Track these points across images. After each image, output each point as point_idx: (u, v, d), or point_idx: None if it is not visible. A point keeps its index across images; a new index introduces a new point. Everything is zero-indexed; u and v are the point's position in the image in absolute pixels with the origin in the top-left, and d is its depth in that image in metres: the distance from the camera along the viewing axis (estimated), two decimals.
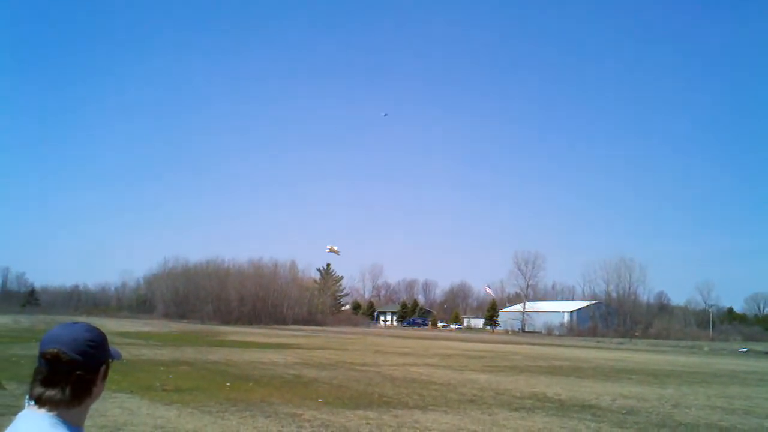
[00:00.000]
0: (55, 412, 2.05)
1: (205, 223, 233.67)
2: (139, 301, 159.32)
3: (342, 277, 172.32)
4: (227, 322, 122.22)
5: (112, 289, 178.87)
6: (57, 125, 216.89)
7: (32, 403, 2.10)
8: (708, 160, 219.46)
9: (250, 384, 20.27)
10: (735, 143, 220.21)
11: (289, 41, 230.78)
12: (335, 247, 74.73)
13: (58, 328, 2.17)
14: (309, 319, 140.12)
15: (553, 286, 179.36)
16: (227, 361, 30.05)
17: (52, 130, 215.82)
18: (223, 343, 47.11)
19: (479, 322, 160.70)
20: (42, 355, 2.09)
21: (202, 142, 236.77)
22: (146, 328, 70.22)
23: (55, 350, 2.07)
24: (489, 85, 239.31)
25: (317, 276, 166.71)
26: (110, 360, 2.24)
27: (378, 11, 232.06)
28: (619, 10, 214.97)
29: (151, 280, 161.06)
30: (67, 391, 2.06)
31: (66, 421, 2.06)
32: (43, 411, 2.06)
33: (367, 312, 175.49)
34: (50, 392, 2.06)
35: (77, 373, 2.08)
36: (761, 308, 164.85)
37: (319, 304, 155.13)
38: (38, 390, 2.08)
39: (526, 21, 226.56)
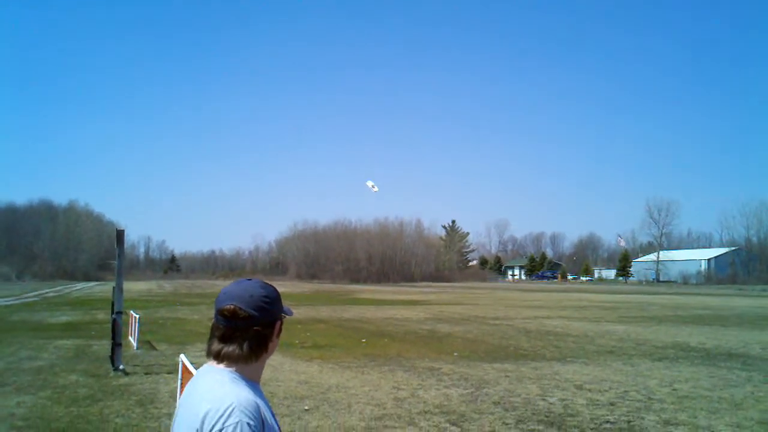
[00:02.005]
0: (234, 368, 2.06)
1: (330, 186, 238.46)
2: (272, 264, 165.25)
3: (468, 233, 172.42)
4: (357, 281, 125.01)
5: (246, 253, 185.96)
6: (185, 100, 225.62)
7: (211, 358, 2.11)
8: None
9: (386, 340, 20.57)
10: None
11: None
12: (373, 184, 76.27)
13: (233, 284, 2.16)
14: (437, 275, 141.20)
15: (689, 234, 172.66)
16: (361, 318, 30.65)
17: (175, 105, 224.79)
18: (355, 301, 48.11)
19: (611, 274, 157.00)
20: (219, 312, 2.09)
21: (324, 109, 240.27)
22: (281, 289, 71.05)
23: (233, 306, 2.06)
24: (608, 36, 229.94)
25: (443, 233, 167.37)
26: (284, 316, 2.23)
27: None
28: None
29: (283, 243, 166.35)
30: (245, 346, 2.06)
31: (244, 376, 2.06)
32: (222, 366, 2.07)
33: (494, 267, 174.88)
34: (229, 348, 2.06)
35: (255, 328, 2.07)
36: None
37: (446, 260, 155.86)
38: (217, 346, 2.09)
39: None
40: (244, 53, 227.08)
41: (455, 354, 16.90)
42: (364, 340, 20.30)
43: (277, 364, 14.54)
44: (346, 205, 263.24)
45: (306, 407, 9.98)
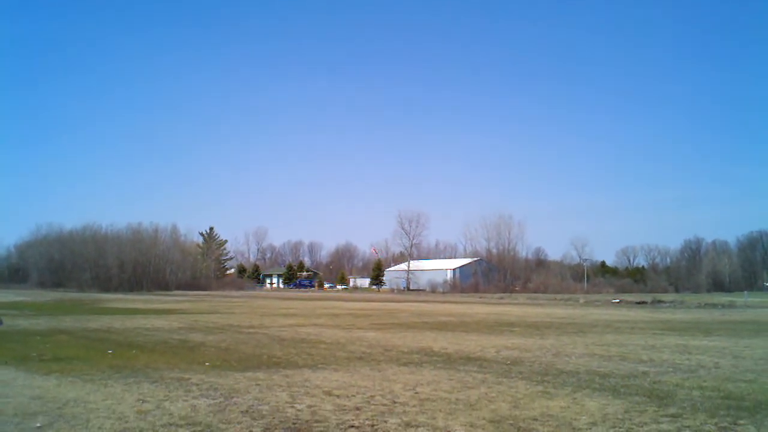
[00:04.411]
0: None
1: (81, 188, 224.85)
2: (10, 270, 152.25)
3: (226, 241, 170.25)
4: (107, 290, 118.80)
5: None
6: None
7: None
8: (578, 123, 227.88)
9: (134, 351, 19.68)
10: (603, 105, 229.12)
11: None
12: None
13: None
14: (193, 284, 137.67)
15: (437, 245, 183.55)
16: (109, 328, 29.13)
17: None
18: (103, 311, 45.67)
19: (365, 282, 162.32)
20: None
21: (75, 103, 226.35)
22: (19, 298, 67.27)
23: None
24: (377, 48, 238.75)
25: (200, 240, 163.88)
26: None
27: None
28: None
29: (24, 248, 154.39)
30: None
31: None
32: None
33: (252, 275, 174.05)
34: None
35: None
36: (631, 261, 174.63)
37: (203, 268, 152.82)
38: None
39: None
40: None
41: (206, 364, 16.53)
42: (110, 352, 19.27)
43: (8, 379, 13.44)
44: (95, 208, 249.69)
45: (38, 424, 9.27)
